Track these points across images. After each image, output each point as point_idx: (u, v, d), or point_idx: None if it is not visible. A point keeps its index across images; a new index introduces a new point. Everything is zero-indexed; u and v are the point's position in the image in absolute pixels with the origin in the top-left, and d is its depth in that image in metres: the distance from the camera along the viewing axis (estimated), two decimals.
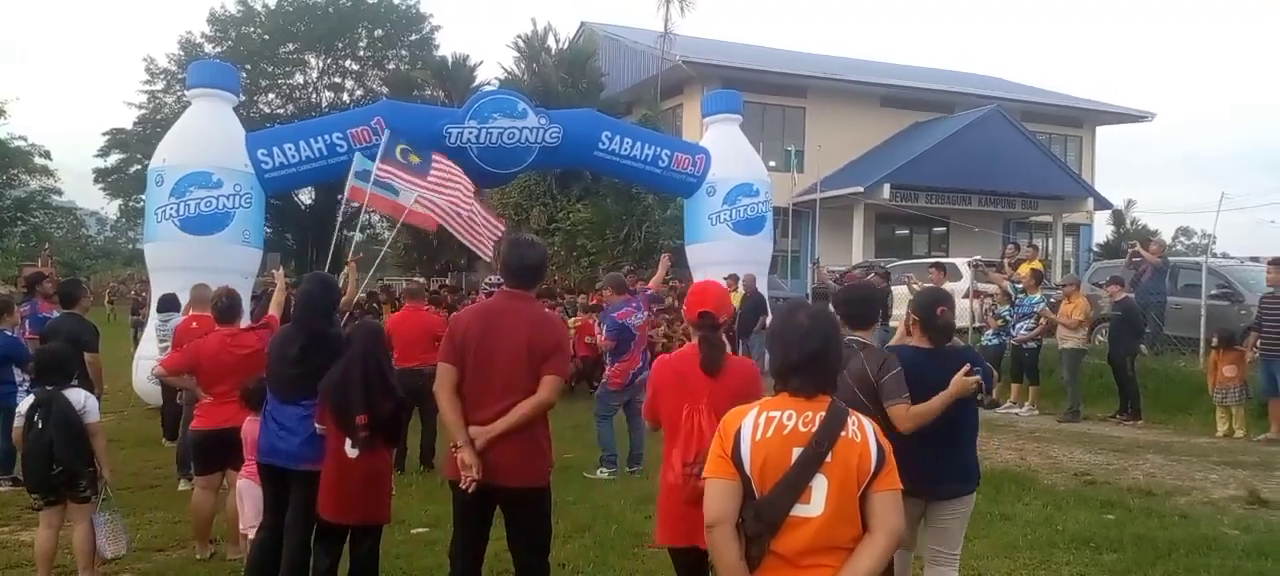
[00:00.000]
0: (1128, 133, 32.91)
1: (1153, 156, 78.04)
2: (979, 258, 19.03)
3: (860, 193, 24.37)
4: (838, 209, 24.93)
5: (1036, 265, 14.24)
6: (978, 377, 3.76)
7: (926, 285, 9.87)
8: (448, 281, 16.41)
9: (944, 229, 27.53)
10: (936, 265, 14.30)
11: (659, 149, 14.87)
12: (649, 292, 8.96)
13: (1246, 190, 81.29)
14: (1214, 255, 16.04)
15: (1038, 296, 12.34)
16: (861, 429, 2.41)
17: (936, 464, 3.80)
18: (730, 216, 14.97)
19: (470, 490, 3.80)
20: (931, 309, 3.96)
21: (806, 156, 25.10)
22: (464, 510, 3.96)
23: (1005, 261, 15.98)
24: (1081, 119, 30.40)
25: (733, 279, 13.62)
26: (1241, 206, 48.79)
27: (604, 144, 14.42)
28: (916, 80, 28.82)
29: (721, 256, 14.55)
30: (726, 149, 15.32)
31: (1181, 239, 31.90)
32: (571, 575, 5.41)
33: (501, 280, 9.98)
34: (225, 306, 5.63)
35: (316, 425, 4.46)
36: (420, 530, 6.34)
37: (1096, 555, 5.78)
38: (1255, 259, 15.55)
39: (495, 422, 3.82)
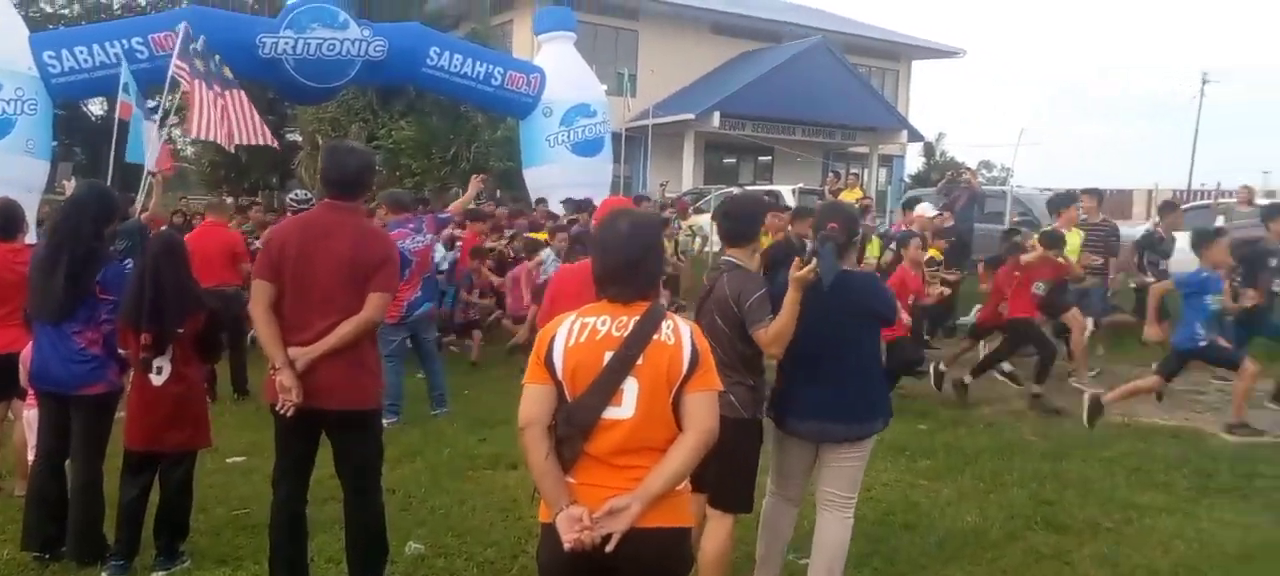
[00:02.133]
0: (941, 67, 34.65)
1: (962, 91, 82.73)
2: (801, 185, 19.68)
3: (691, 120, 24.58)
4: (669, 135, 25.06)
5: (858, 194, 14.83)
6: (813, 266, 3.43)
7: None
8: (258, 200, 15.36)
9: (769, 158, 28.26)
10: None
11: (492, 66, 14.35)
12: (441, 215, 8.10)
13: (1042, 126, 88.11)
14: (1009, 187, 17.21)
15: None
16: (676, 332, 2.44)
17: (828, 405, 3.65)
18: (568, 138, 14.69)
19: (288, 414, 3.57)
20: (822, 224, 3.69)
21: (639, 81, 25.03)
22: (286, 436, 3.73)
23: (826, 190, 16.59)
24: (899, 53, 31.74)
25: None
26: (1037, 142, 52.79)
27: (433, 60, 13.77)
28: (746, 8, 29.15)
29: (560, 179, 14.25)
30: (562, 68, 14.97)
31: (984, 171, 34.09)
32: (403, 500, 5.22)
33: (307, 195, 9.23)
34: (6, 219, 5.00)
35: (119, 349, 4.12)
36: (236, 459, 5.98)
37: (912, 462, 6.12)
38: (1049, 189, 16.79)
39: (316, 343, 3.59)
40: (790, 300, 3.46)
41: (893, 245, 9.54)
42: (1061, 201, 9.45)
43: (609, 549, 2.33)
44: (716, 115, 24.64)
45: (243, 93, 10.41)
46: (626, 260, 2.48)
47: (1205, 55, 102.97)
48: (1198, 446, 6.58)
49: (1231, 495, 5.54)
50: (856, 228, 3.79)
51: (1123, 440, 6.67)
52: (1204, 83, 34.30)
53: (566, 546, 2.33)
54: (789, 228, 7.36)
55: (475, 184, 8.17)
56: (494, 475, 5.73)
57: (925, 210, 11.03)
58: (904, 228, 10.50)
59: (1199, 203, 17.92)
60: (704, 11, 27.71)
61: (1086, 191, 10.35)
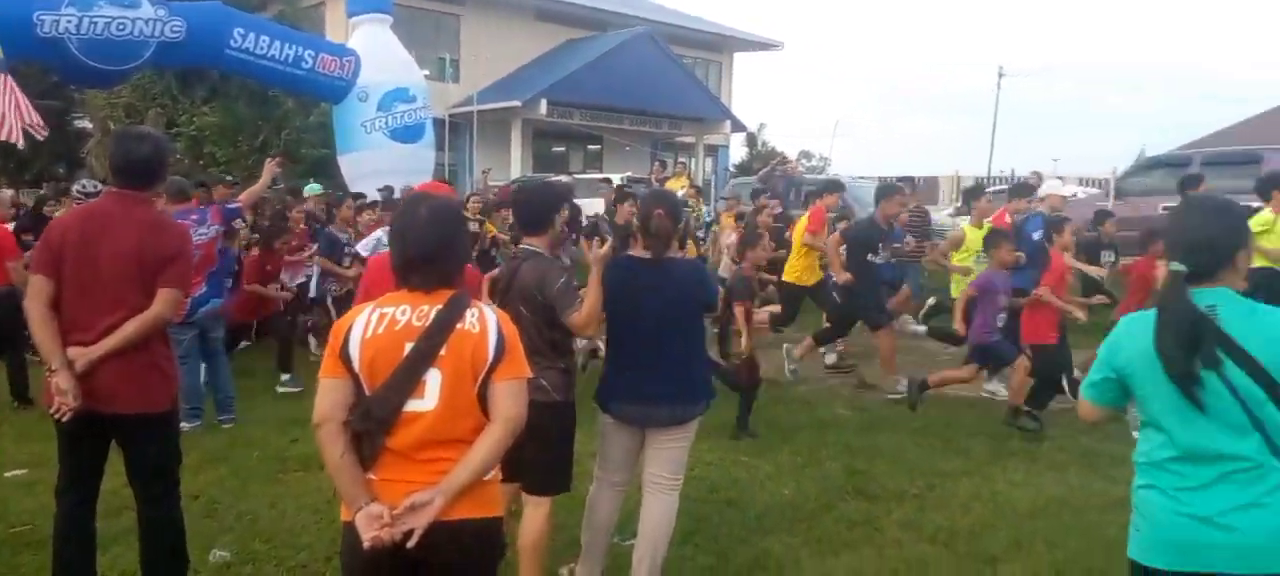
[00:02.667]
0: (761, 59, 35.82)
1: (782, 83, 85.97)
2: (630, 174, 19.89)
3: (518, 106, 24.34)
4: (495, 122, 24.75)
5: (685, 182, 15.10)
6: (612, 245, 3.50)
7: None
8: (44, 192, 14.10)
9: (599, 147, 28.38)
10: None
11: (302, 49, 13.70)
12: (230, 205, 7.34)
13: (860, 117, 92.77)
14: (826, 174, 18.06)
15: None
16: (482, 320, 2.39)
17: (653, 390, 3.67)
18: (386, 124, 14.24)
19: (64, 419, 3.28)
20: (648, 211, 3.71)
21: (462, 67, 24.57)
22: (69, 443, 3.45)
23: (653, 179, 16.82)
24: (721, 45, 32.54)
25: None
26: (851, 132, 55.57)
27: (237, 41, 12.99)
28: None
29: (379, 166, 13.78)
30: (377, 52, 14.49)
31: (803, 160, 35.49)
32: (207, 507, 4.89)
33: (96, 185, 8.43)
34: None
35: None
36: (17, 472, 5.46)
37: (734, 441, 6.29)
38: (866, 177, 17.70)
39: (99, 343, 3.31)
40: (594, 280, 3.48)
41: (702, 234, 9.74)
42: (886, 190, 9.46)
43: (411, 545, 2.24)
44: (543, 102, 24.51)
45: (8, 77, 9.47)
46: (427, 247, 2.40)
47: (1004, 53, 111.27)
48: (994, 414, 7.06)
49: (1021, 458, 5.99)
50: (680, 215, 3.84)
51: (928, 411, 7.08)
52: (1001, 77, 36.82)
53: (365, 544, 2.23)
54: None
55: (270, 168, 7.46)
56: (306, 476, 5.45)
57: (1055, 188, 9.34)
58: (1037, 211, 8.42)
59: (997, 187, 19.32)
60: None
61: (900, 180, 10.95)
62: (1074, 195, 11.72)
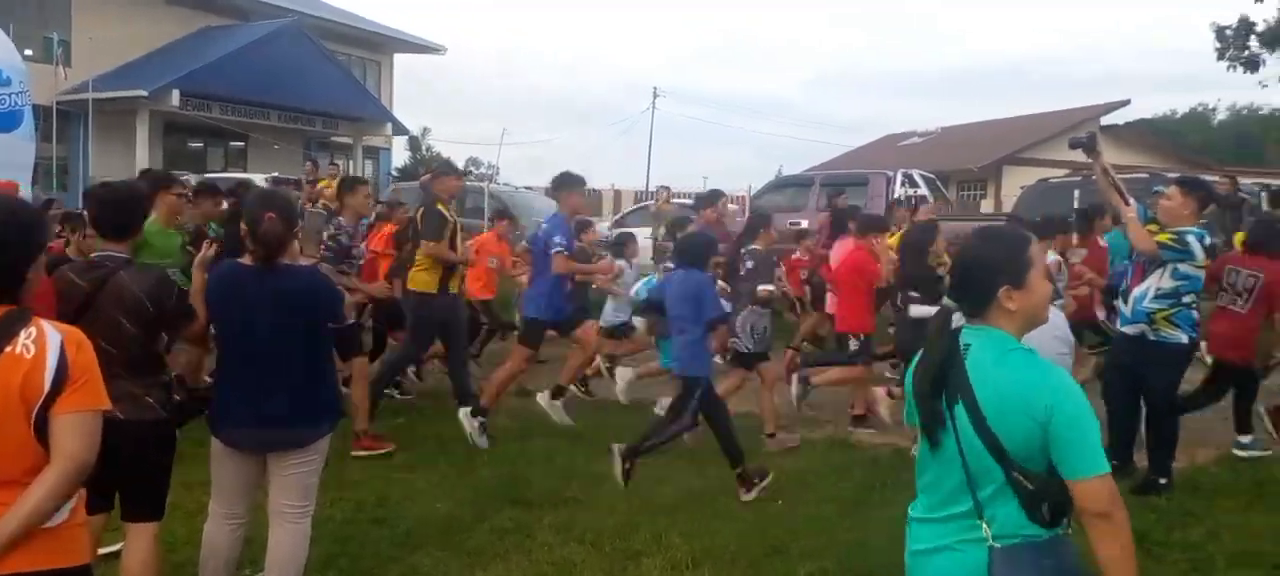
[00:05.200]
0: (423, 62, 35.13)
1: (445, 88, 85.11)
2: (277, 174, 18.62)
3: (144, 96, 21.82)
4: (116, 112, 22.00)
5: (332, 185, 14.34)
6: (214, 250, 3.38)
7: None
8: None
9: (242, 144, 26.27)
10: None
11: None
12: None
13: (525, 127, 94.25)
14: (496, 183, 18.19)
15: None
16: (40, 343, 2.05)
17: (269, 412, 3.34)
18: None
19: None
20: (258, 214, 3.35)
21: (75, 50, 21.62)
22: None
23: (304, 178, 15.87)
24: (381, 44, 31.48)
25: None
26: (519, 142, 56.56)
27: None
28: None
29: None
30: None
31: (471, 167, 35.34)
32: None
33: None
34: None
35: None
36: None
37: (388, 456, 6.10)
38: (532, 187, 17.97)
39: None
40: (196, 287, 3.29)
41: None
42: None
43: None
44: (175, 93, 22.14)
45: None
46: None
47: (657, 73, 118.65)
48: (641, 415, 7.34)
49: (667, 455, 6.27)
50: (294, 218, 3.55)
51: (582, 415, 7.25)
52: (655, 96, 39.01)
53: None
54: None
55: None
56: None
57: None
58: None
59: (641, 204, 20.50)
60: None
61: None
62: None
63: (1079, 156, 6.74)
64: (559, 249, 6.57)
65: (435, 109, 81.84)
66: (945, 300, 2.27)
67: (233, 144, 26.36)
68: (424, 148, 40.74)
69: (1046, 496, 2.07)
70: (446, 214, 6.71)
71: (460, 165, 25.59)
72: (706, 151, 74.78)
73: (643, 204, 19.51)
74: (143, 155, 22.31)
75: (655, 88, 39.29)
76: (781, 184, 17.06)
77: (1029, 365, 2.13)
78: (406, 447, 6.27)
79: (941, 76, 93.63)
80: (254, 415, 3.37)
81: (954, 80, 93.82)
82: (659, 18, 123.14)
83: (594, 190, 23.84)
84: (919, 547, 2.27)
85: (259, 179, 16.76)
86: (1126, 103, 31.64)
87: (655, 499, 5.36)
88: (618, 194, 21.49)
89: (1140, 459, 5.76)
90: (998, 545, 2.09)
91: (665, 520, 4.99)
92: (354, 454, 5.97)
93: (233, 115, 24.15)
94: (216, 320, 3.42)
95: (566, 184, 6.94)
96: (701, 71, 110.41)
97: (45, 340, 2.07)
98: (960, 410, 2.13)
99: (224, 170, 23.17)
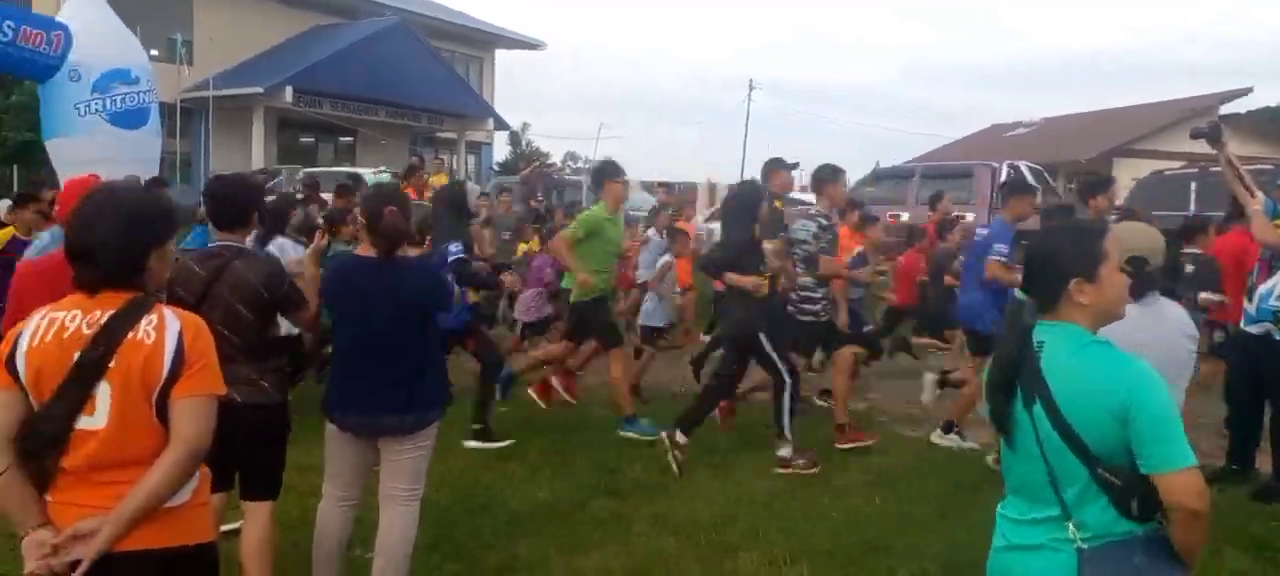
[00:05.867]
0: (524, 58, 35.64)
1: (545, 84, 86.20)
2: (383, 168, 19.20)
3: (260, 94, 22.81)
4: (234, 109, 23.07)
5: (444, 178, 14.73)
6: (324, 243, 3.52)
7: None
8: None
9: (351, 139, 27.20)
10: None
11: (0, 20, 12.08)
12: None
13: (623, 122, 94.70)
14: None
15: None
16: (160, 328, 2.14)
17: (382, 399, 3.46)
18: (104, 106, 12.77)
19: None
20: (378, 208, 3.45)
21: (196, 49, 22.70)
22: None
23: (421, 172, 16.32)
24: (483, 41, 32.14)
25: None
26: (619, 135, 56.97)
27: None
28: None
29: (97, 153, 12.25)
30: (92, 26, 12.98)
31: (570, 162, 35.68)
32: None
33: None
34: None
35: None
36: None
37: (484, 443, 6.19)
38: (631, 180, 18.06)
39: None
40: (309, 275, 3.41)
41: None
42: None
43: None
44: (289, 90, 23.10)
45: None
46: (94, 241, 2.14)
47: (750, 66, 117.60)
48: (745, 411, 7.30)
49: (757, 449, 6.23)
50: (411, 212, 3.68)
51: (667, 408, 7.23)
52: (751, 89, 38.76)
53: (25, 573, 2.02)
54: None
55: None
56: None
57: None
58: None
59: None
60: None
61: (661, 184, 11.22)
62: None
63: (1195, 147, 6.43)
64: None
65: (534, 103, 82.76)
66: (1019, 293, 2.24)
67: (342, 139, 27.32)
68: (524, 142, 41.31)
69: (1135, 492, 2.02)
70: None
71: (559, 159, 25.91)
72: (800, 142, 73.72)
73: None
74: (258, 150, 23.36)
75: (751, 80, 39.02)
76: (878, 176, 16.74)
77: (1105, 358, 2.08)
78: (509, 436, 6.37)
79: (1037, 68, 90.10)
80: (370, 402, 3.49)
81: (1053, 72, 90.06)
82: (725, 14, 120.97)
83: (689, 183, 23.82)
84: (1005, 545, 2.24)
85: (368, 173, 17.33)
86: (1249, 90, 29.80)
87: (750, 493, 5.36)
88: (712, 187, 21.33)
89: (1263, 462, 5.49)
90: (1086, 547, 2.06)
91: (763, 513, 4.99)
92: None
93: (342, 111, 25.01)
94: (335, 310, 3.55)
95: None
96: (775, 65, 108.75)
97: (164, 326, 2.15)
98: (1038, 409, 2.09)
99: (333, 165, 24.05)
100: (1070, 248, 2.16)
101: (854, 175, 17.26)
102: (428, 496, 3.83)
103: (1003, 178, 13.56)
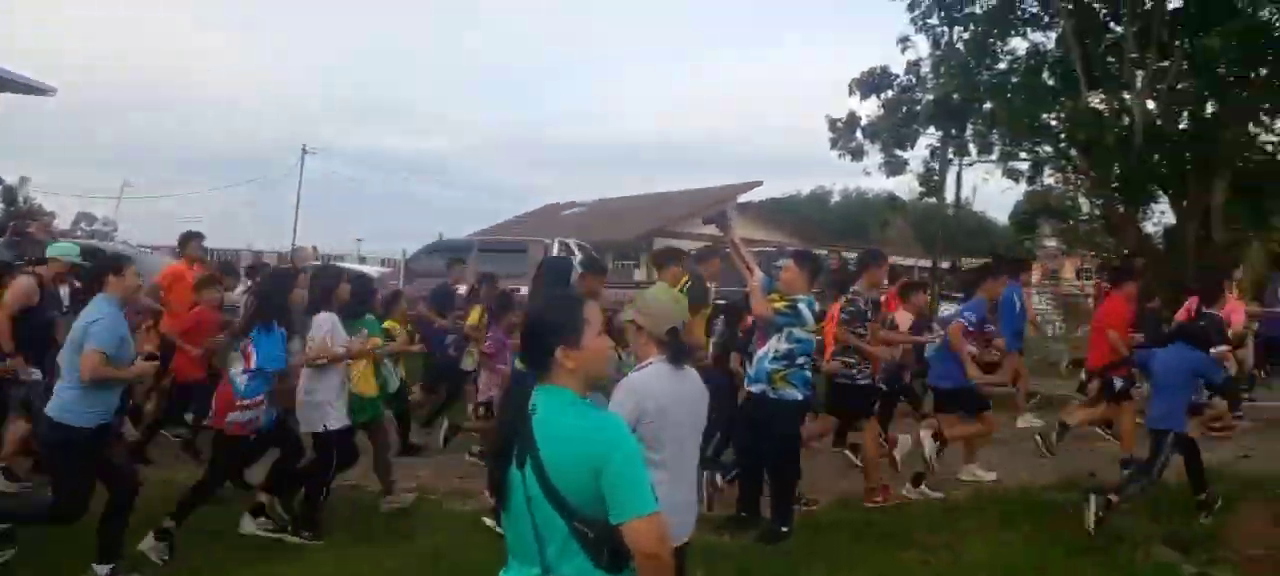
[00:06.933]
0: (23, 103, 30.42)
1: (51, 134, 73.30)
2: None
3: None
4: None
5: None
6: None
7: None
8: None
9: None
10: None
11: None
12: None
13: (148, 180, 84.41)
14: (114, 241, 16.04)
15: None
16: None
17: None
18: None
19: None
20: None
21: None
22: None
23: None
24: None
25: None
26: (143, 195, 51.12)
27: None
28: None
29: None
30: None
31: (83, 223, 30.94)
32: None
33: None
34: None
35: None
36: None
37: None
38: (157, 246, 16.03)
39: None
40: None
41: None
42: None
43: None
44: None
45: None
46: None
47: (303, 132, 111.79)
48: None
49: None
50: None
51: None
52: (305, 154, 36.91)
53: None
54: None
55: None
56: None
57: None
58: None
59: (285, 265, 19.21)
60: None
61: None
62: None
63: (714, 230, 7.32)
64: None
65: (36, 155, 70.33)
66: (516, 358, 2.42)
67: None
68: (21, 198, 35.40)
69: (605, 541, 2.13)
70: None
71: (69, 220, 22.48)
72: (356, 207, 72.24)
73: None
74: None
75: (304, 144, 37.25)
76: (434, 249, 16.82)
77: (584, 415, 2.21)
78: None
79: (600, 153, 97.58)
80: None
81: (613, 160, 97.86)
82: (292, 74, 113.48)
83: (231, 250, 21.76)
84: None
85: None
86: (760, 183, 34.87)
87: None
88: (257, 255, 19.63)
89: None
90: None
91: None
92: None
93: None
94: None
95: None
96: (331, 129, 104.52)
97: None
98: (528, 468, 2.15)
99: None
100: (556, 317, 2.30)
101: (413, 244, 17.24)
102: None
103: (555, 252, 14.23)
